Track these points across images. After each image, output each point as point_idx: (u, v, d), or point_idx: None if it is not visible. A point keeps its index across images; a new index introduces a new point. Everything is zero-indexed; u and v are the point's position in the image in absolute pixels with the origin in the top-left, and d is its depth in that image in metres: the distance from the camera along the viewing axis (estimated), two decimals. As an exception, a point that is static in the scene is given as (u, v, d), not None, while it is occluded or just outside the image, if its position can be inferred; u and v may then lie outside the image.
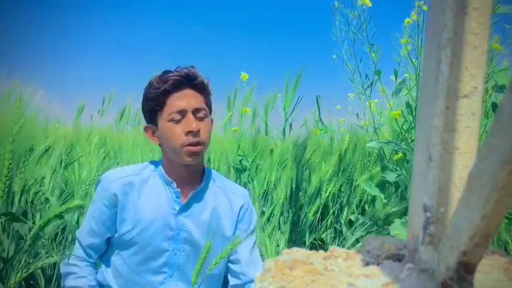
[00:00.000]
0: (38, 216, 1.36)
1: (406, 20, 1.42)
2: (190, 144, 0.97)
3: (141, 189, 1.03)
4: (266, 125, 2.22)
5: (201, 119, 1.00)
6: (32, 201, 1.41)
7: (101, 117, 3.16)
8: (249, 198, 1.14)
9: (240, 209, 1.10)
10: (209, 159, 1.89)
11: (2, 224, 1.13)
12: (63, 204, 0.85)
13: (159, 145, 1.06)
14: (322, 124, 2.43)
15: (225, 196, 1.09)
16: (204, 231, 1.03)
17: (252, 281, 1.07)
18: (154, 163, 1.09)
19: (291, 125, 2.35)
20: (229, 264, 1.10)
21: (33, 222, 1.31)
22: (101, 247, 1.05)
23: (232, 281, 1.10)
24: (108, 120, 3.14)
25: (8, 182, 0.95)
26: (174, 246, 1.01)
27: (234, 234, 1.08)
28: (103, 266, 1.07)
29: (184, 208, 1.03)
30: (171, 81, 0.98)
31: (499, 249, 0.32)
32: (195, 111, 0.99)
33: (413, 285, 0.26)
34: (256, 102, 2.22)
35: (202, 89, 1.03)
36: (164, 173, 1.05)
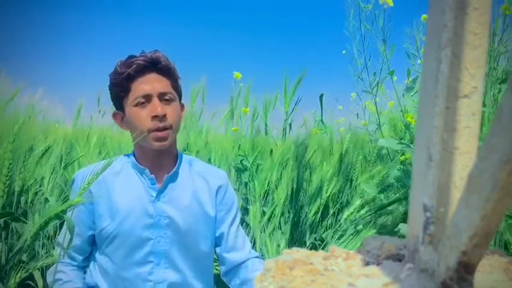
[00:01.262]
0: (37, 216, 1.36)
1: (424, 16, 1.40)
2: (157, 130, 0.97)
3: (115, 182, 1.02)
4: (266, 125, 2.22)
5: (167, 103, 1.00)
6: (31, 202, 1.41)
7: (102, 117, 3.16)
8: (227, 179, 1.13)
9: (218, 189, 1.09)
10: (209, 159, 1.89)
11: (1, 224, 1.13)
12: (62, 202, 0.84)
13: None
14: (323, 124, 2.43)
15: (202, 179, 1.08)
16: (186, 215, 1.02)
17: (243, 262, 1.07)
18: (127, 155, 1.08)
19: (290, 125, 2.35)
20: (221, 252, 1.09)
21: (33, 223, 1.31)
22: (85, 248, 1.04)
23: (222, 268, 1.10)
24: (108, 120, 3.14)
25: (7, 182, 0.95)
26: (157, 234, 1.00)
27: (215, 215, 1.08)
28: (91, 268, 1.06)
29: (161, 192, 1.02)
30: (134, 66, 0.97)
31: (499, 249, 0.32)
32: (161, 95, 0.99)
33: (413, 285, 0.26)
34: (256, 102, 2.23)
35: (167, 72, 1.02)
36: (136, 161, 1.04)
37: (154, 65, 1.00)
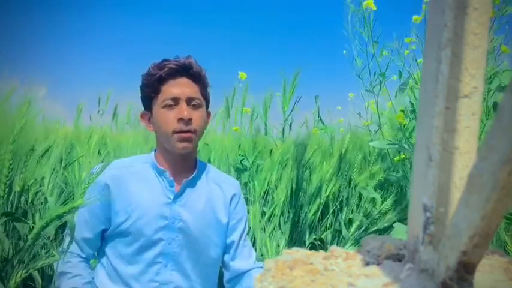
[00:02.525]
0: (37, 216, 1.36)
1: (414, 17, 1.42)
2: (181, 131, 0.98)
3: (133, 180, 1.03)
4: (266, 125, 2.22)
5: (194, 108, 1.01)
6: (32, 201, 1.41)
7: (101, 117, 3.17)
8: (240, 189, 1.16)
9: (232, 198, 1.11)
10: (209, 159, 1.89)
11: (2, 224, 1.13)
12: (63, 204, 0.84)
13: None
14: (323, 124, 2.43)
15: (217, 186, 1.10)
16: (199, 220, 1.04)
17: (247, 271, 1.09)
18: (146, 155, 1.10)
19: (290, 125, 2.35)
20: (227, 259, 1.11)
21: (33, 222, 1.31)
22: (95, 242, 1.05)
23: (227, 274, 1.11)
24: (108, 120, 3.14)
25: (8, 182, 0.95)
26: (169, 236, 1.01)
27: (227, 222, 1.10)
28: (98, 263, 1.07)
29: (178, 196, 1.03)
30: (166, 69, 1.00)
31: (499, 249, 0.32)
32: (189, 99, 1.01)
33: (413, 285, 0.26)
34: (255, 102, 2.23)
35: (198, 78, 1.04)
36: (157, 163, 1.05)
37: (186, 70, 1.02)
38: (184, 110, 0.98)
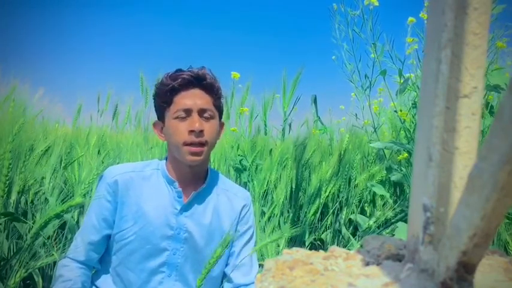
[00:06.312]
0: (38, 216, 1.37)
1: (410, 19, 1.43)
2: (192, 143, 0.98)
3: (143, 186, 1.03)
4: (265, 125, 2.22)
5: (206, 120, 1.01)
6: (32, 201, 1.41)
7: (101, 117, 3.16)
8: (250, 200, 1.15)
9: (241, 209, 1.10)
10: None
11: (1, 224, 1.13)
12: (62, 202, 0.84)
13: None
14: (322, 124, 2.43)
15: (226, 197, 1.09)
16: (204, 232, 1.03)
17: (245, 285, 1.07)
18: (157, 162, 1.09)
19: (290, 125, 2.35)
20: (227, 270, 1.09)
21: (33, 222, 1.31)
22: (101, 246, 1.03)
23: (226, 285, 1.09)
24: (108, 120, 3.14)
25: (8, 182, 0.95)
26: (174, 246, 1.01)
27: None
28: (102, 269, 1.06)
29: (186, 208, 1.03)
30: (180, 80, 0.99)
31: (499, 249, 0.32)
32: (201, 111, 1.00)
33: (413, 285, 0.26)
34: (254, 102, 2.23)
35: (211, 90, 1.03)
36: (167, 172, 1.05)
37: (199, 81, 1.01)
38: (195, 122, 0.97)
